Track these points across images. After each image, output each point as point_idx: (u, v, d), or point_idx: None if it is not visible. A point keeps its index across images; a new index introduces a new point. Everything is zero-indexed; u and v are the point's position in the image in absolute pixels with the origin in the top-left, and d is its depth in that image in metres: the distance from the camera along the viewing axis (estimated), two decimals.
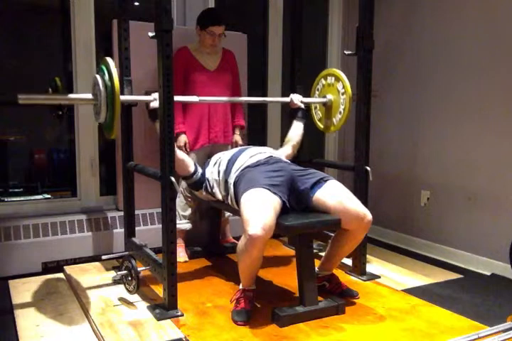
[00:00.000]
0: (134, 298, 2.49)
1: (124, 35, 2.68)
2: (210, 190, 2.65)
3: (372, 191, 2.90)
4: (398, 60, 3.68)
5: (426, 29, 3.44)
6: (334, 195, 2.33)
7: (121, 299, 2.48)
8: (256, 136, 3.78)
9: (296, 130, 2.95)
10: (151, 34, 2.19)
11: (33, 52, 3.21)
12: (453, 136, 3.28)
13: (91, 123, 3.19)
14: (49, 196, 3.28)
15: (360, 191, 2.74)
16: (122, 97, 2.26)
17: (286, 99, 2.98)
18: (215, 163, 2.67)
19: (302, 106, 2.96)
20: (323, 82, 3.02)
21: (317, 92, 3.09)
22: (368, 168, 2.77)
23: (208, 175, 2.67)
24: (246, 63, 3.48)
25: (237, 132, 3.22)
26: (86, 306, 2.39)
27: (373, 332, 2.16)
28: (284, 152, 2.83)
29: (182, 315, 2.27)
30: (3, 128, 3.20)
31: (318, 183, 2.37)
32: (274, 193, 2.22)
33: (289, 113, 3.11)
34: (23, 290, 2.67)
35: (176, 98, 2.61)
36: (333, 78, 2.93)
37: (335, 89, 2.90)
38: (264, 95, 3.89)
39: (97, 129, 3.22)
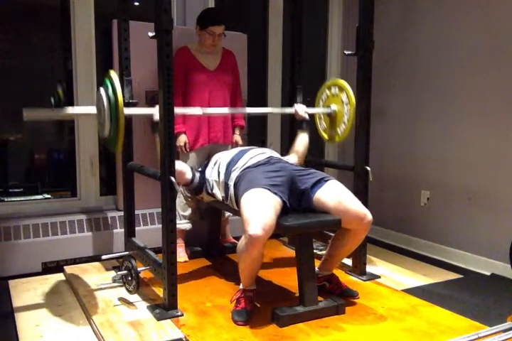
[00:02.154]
0: (134, 298, 2.49)
1: (124, 35, 2.68)
2: (210, 190, 2.65)
3: (373, 191, 2.90)
4: (398, 60, 3.68)
5: (426, 29, 3.43)
6: (334, 195, 2.33)
7: (121, 299, 2.48)
8: (256, 136, 3.77)
9: (302, 141, 2.91)
10: (151, 34, 2.19)
11: (33, 52, 3.21)
12: (453, 136, 3.28)
13: (91, 123, 3.19)
14: (49, 196, 3.27)
15: (360, 191, 2.74)
16: (126, 111, 2.21)
17: (291, 110, 2.95)
18: (215, 163, 2.67)
19: (307, 117, 2.92)
20: (328, 92, 3.02)
21: (321, 102, 3.10)
22: (368, 168, 2.77)
23: (207, 175, 2.67)
24: (246, 63, 3.48)
25: (237, 132, 3.23)
26: (86, 306, 2.39)
27: (373, 332, 2.16)
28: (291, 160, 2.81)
29: (182, 315, 2.27)
30: (3, 129, 3.20)
31: (318, 183, 2.37)
32: (275, 193, 2.22)
33: (293, 123, 3.13)
34: (23, 290, 2.67)
35: (179, 110, 2.63)
36: (337, 88, 2.93)
37: (339, 100, 2.91)
38: (264, 95, 3.89)
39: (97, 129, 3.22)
